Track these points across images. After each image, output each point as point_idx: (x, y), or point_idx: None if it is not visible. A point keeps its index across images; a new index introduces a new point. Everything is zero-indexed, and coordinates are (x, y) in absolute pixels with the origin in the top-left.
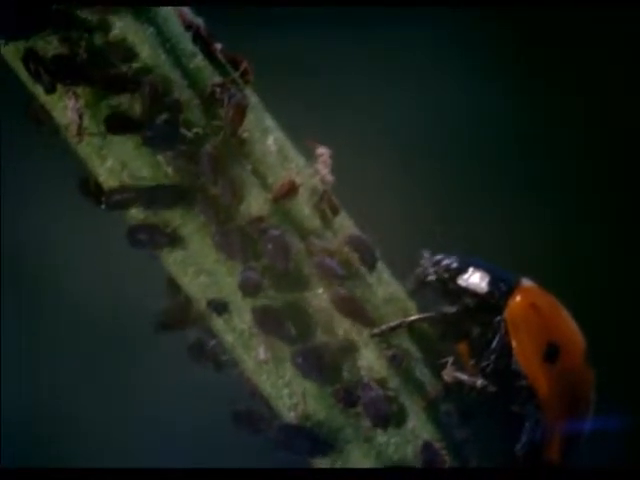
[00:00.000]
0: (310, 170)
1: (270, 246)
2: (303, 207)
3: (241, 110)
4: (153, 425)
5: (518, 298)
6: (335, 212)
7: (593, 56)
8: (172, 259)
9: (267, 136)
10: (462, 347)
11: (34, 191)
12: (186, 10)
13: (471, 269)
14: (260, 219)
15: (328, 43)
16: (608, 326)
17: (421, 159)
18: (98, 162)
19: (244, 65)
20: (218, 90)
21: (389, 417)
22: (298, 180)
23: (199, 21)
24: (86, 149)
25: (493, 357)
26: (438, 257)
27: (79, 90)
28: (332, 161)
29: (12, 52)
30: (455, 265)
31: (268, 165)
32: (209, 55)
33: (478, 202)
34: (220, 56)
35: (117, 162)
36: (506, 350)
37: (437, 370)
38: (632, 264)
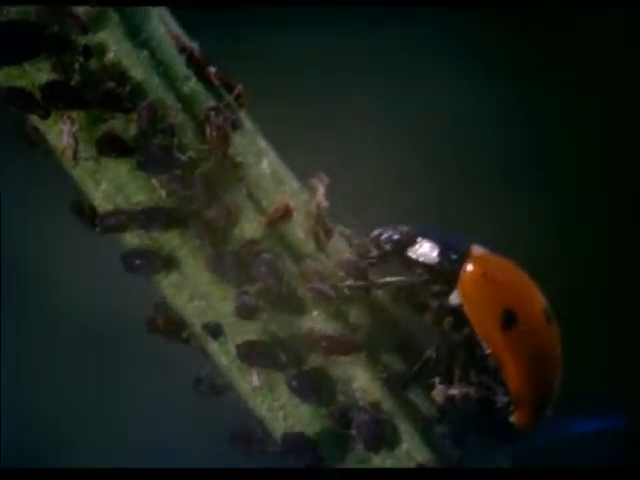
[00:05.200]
0: (304, 194)
1: (263, 269)
2: (297, 230)
3: (224, 132)
4: (153, 425)
5: (468, 268)
6: (329, 235)
7: (593, 56)
8: (167, 282)
9: (261, 159)
10: (428, 317)
11: (31, 195)
12: (180, 33)
13: (420, 240)
14: (254, 242)
15: (326, 54)
16: (608, 326)
17: (423, 160)
18: (93, 186)
19: (238, 89)
20: (212, 114)
21: (381, 440)
22: (292, 204)
23: (193, 44)
24: (80, 172)
25: (452, 330)
26: (383, 231)
27: (74, 114)
28: (327, 187)
29: (4, 77)
30: (400, 237)
31: (262, 188)
32: (203, 78)
33: (478, 202)
34: (214, 79)
35: (112, 186)
36: (464, 322)
37: (429, 391)
38: (632, 264)
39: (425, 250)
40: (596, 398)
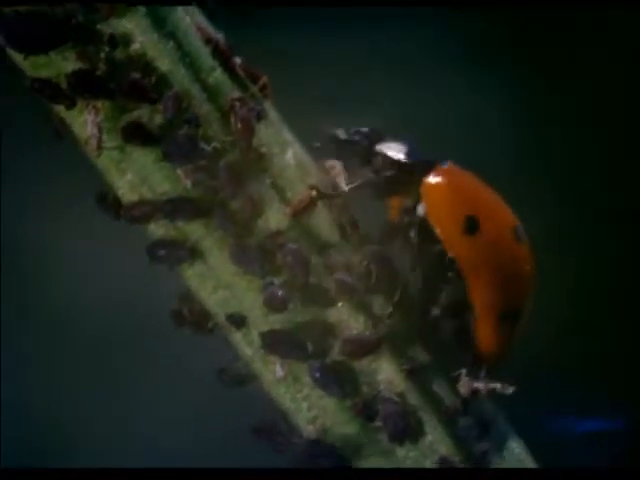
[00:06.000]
0: (327, 183)
1: (289, 259)
2: (322, 221)
3: (249, 123)
4: (153, 426)
5: (432, 176)
6: (354, 227)
7: (593, 56)
8: (191, 273)
9: (286, 150)
10: (394, 201)
11: (36, 192)
12: (205, 24)
13: (390, 139)
14: (279, 233)
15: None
16: (607, 326)
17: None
18: (117, 176)
19: (263, 79)
20: (237, 104)
21: (407, 431)
22: (316, 194)
23: (218, 36)
24: (105, 162)
25: (414, 230)
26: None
27: (99, 104)
28: (345, 172)
29: (30, 65)
30: (373, 132)
31: (287, 179)
32: (228, 69)
33: None
34: (239, 70)
35: (137, 176)
36: (425, 222)
37: (454, 384)
38: (633, 264)
39: (394, 148)
40: (596, 398)
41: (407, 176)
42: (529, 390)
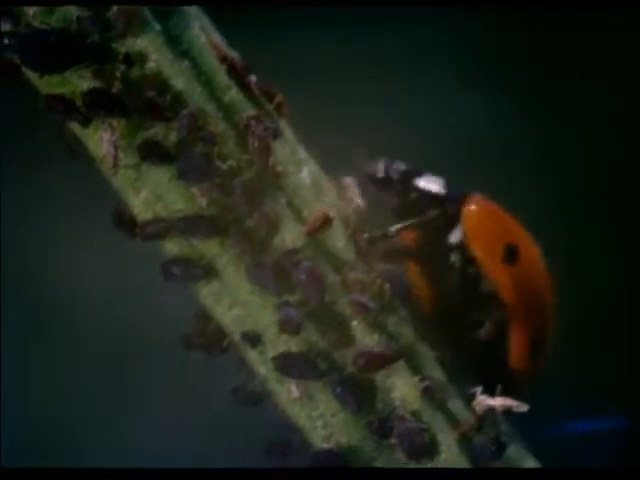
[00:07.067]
0: (343, 202)
1: (303, 277)
2: (337, 239)
3: (266, 142)
4: (154, 426)
5: (472, 204)
6: (369, 244)
7: (594, 56)
8: (206, 291)
9: (301, 168)
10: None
11: (41, 201)
12: (221, 43)
13: (425, 174)
14: (294, 251)
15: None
16: (609, 326)
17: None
18: (132, 194)
19: (279, 98)
20: (253, 123)
21: (423, 449)
22: (332, 213)
23: (234, 54)
24: (121, 181)
25: (457, 263)
26: (392, 161)
27: (114, 122)
28: (360, 189)
29: (45, 84)
30: (408, 168)
31: (302, 198)
32: (244, 88)
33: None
34: (255, 89)
35: (152, 194)
36: (467, 255)
37: (469, 402)
38: (633, 264)
39: (430, 182)
40: (596, 398)
41: (444, 205)
42: (529, 390)
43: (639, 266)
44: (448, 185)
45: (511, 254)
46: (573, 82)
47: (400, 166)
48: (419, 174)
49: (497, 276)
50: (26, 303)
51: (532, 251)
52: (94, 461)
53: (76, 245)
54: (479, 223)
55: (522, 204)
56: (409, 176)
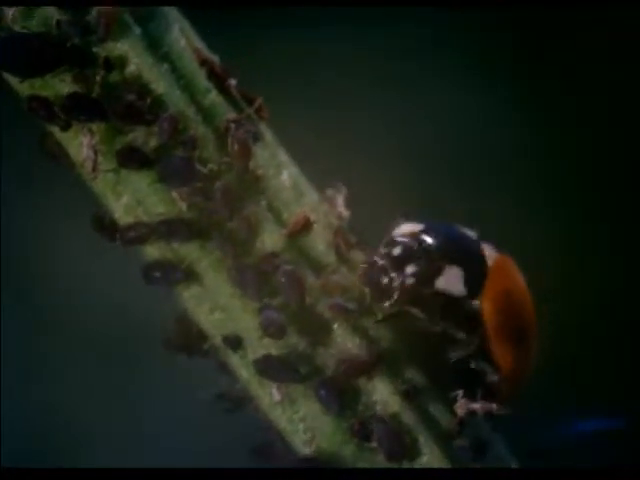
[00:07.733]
0: (325, 206)
1: (284, 280)
2: (318, 242)
3: (246, 145)
4: (154, 426)
5: (490, 293)
6: (349, 247)
7: (594, 56)
8: (187, 294)
9: (281, 171)
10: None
11: (37, 197)
12: (201, 46)
13: (442, 266)
14: (274, 254)
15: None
16: (609, 326)
17: (428, 163)
18: (113, 198)
19: (258, 101)
20: (233, 126)
21: (404, 451)
22: (312, 216)
23: (214, 57)
24: (101, 185)
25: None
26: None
27: (94, 127)
28: (347, 197)
29: (27, 87)
30: (425, 268)
31: (283, 201)
32: (223, 91)
33: (479, 203)
34: (235, 92)
35: (132, 198)
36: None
37: (450, 404)
38: (633, 264)
39: (450, 279)
40: (596, 398)
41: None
42: (528, 390)
43: (639, 266)
44: (464, 260)
45: (521, 337)
46: (573, 82)
47: (416, 263)
48: (438, 271)
49: (503, 351)
50: (26, 303)
51: (534, 324)
52: (94, 461)
53: (76, 245)
54: (500, 303)
55: (522, 204)
56: (429, 277)
